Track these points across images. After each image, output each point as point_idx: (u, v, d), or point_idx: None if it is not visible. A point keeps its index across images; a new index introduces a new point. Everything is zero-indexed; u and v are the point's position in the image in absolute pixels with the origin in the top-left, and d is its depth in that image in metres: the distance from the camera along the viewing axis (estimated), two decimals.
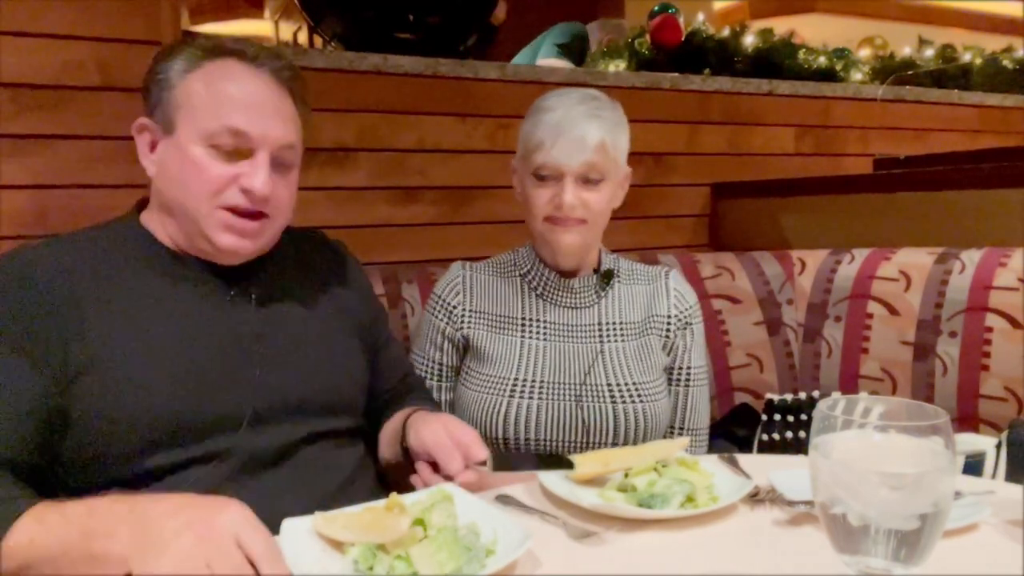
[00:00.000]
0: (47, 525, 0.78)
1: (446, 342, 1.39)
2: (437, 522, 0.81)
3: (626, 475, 0.99)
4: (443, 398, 1.40)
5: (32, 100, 1.57)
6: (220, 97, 0.99)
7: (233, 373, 1.01)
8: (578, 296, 1.39)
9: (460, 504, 0.87)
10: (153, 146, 1.04)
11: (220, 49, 1.03)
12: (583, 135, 1.26)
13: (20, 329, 0.92)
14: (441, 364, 1.40)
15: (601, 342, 1.36)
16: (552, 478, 0.99)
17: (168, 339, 0.98)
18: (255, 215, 1.01)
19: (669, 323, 1.40)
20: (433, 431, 1.03)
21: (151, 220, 1.07)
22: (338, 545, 0.80)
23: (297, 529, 0.81)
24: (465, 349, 1.39)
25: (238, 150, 0.99)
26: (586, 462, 1.01)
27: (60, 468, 0.94)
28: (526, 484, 1.03)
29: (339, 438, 1.10)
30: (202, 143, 0.99)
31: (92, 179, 1.63)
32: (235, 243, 1.01)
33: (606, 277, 1.39)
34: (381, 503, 0.86)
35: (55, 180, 1.60)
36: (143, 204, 1.10)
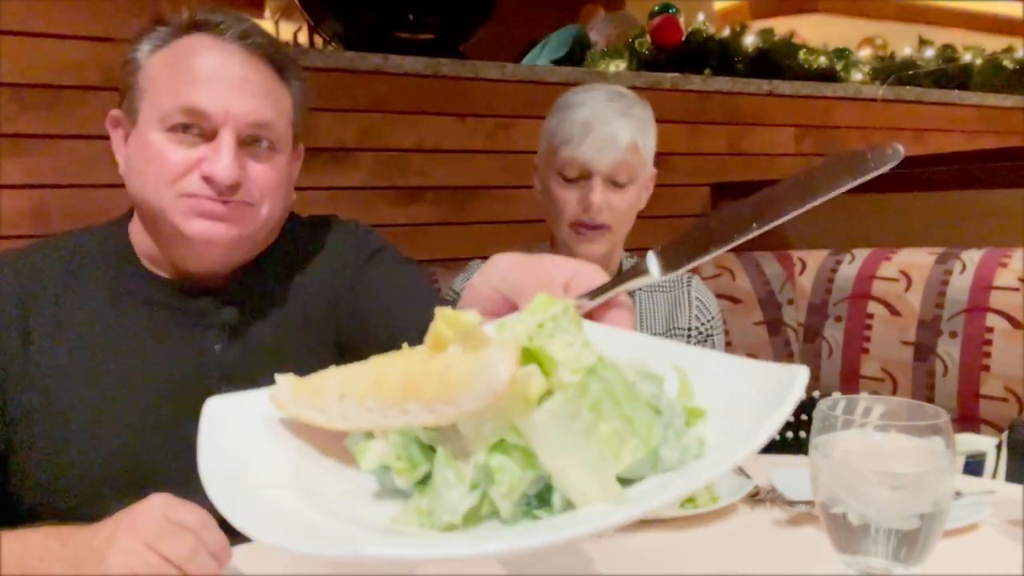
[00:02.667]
0: None
1: None
2: (570, 359, 0.37)
3: None
4: None
5: (32, 100, 1.57)
6: (179, 75, 0.87)
7: (194, 419, 0.91)
8: None
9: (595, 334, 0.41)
10: (127, 139, 0.93)
11: (189, 24, 0.90)
12: (614, 134, 1.21)
13: None
14: None
15: None
16: None
17: (124, 380, 0.89)
18: (225, 202, 0.88)
19: (689, 337, 1.35)
20: (507, 262, 0.56)
21: (134, 227, 0.96)
22: (333, 441, 0.41)
23: (243, 413, 0.45)
24: None
25: (201, 132, 0.87)
26: None
27: (4, 512, 0.87)
28: None
29: None
30: (160, 128, 0.86)
31: (92, 179, 1.63)
32: (205, 230, 0.87)
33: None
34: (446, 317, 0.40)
35: (55, 180, 1.60)
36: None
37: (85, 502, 0.83)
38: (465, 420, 0.34)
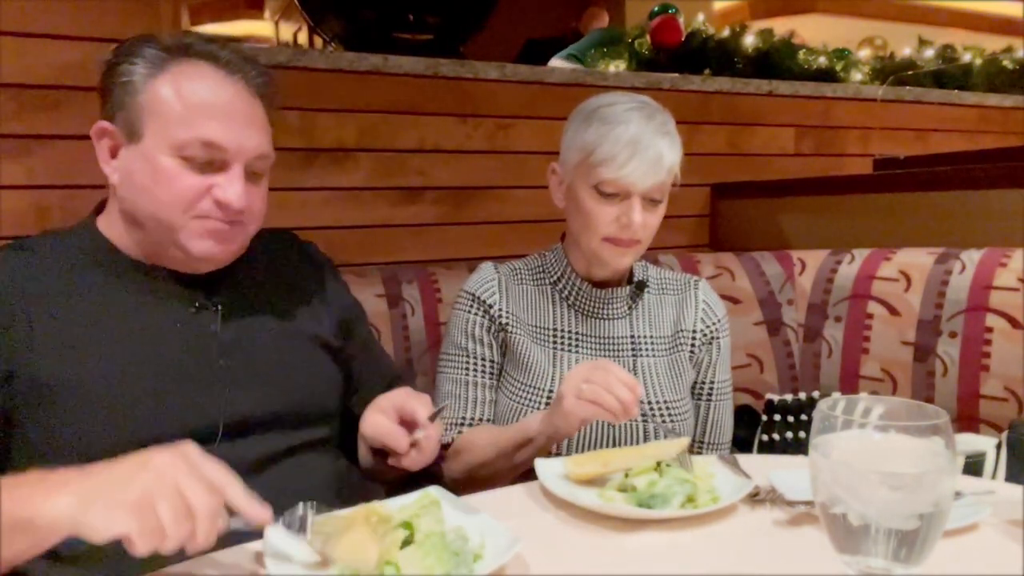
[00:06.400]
0: None
1: (486, 334, 1.32)
2: (425, 527, 0.81)
3: (626, 475, 0.99)
4: (487, 396, 1.32)
5: (32, 100, 1.57)
6: (192, 106, 0.95)
7: (199, 390, 0.97)
8: (610, 307, 1.33)
9: (447, 509, 0.87)
10: (114, 151, 0.99)
11: (187, 49, 0.97)
12: (659, 156, 1.21)
13: None
14: (481, 358, 1.32)
15: (635, 357, 1.32)
16: (552, 478, 0.99)
17: (127, 358, 0.94)
18: (231, 223, 0.99)
19: (695, 338, 1.36)
20: (373, 421, 1.01)
21: (110, 227, 1.02)
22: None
23: (280, 534, 0.81)
24: (504, 347, 1.33)
25: (211, 161, 0.96)
26: (586, 462, 1.01)
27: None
28: (526, 484, 1.03)
29: (318, 447, 1.07)
30: (172, 153, 0.94)
31: (92, 179, 1.60)
32: (211, 249, 0.98)
33: (639, 288, 1.35)
34: (368, 508, 0.84)
35: (55, 180, 1.60)
36: (100, 209, 1.06)
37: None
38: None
